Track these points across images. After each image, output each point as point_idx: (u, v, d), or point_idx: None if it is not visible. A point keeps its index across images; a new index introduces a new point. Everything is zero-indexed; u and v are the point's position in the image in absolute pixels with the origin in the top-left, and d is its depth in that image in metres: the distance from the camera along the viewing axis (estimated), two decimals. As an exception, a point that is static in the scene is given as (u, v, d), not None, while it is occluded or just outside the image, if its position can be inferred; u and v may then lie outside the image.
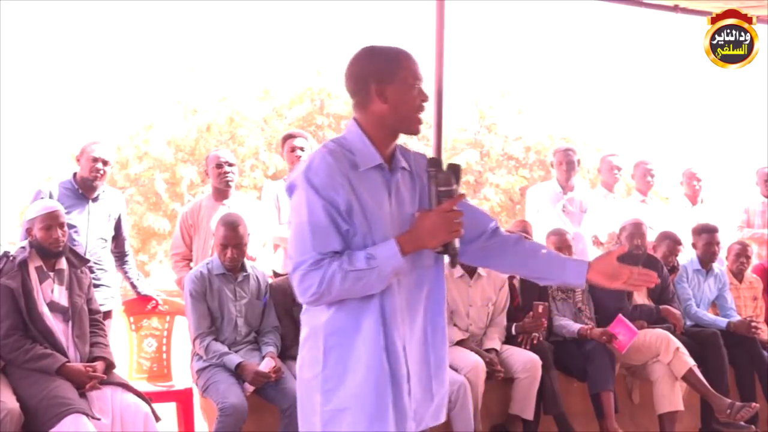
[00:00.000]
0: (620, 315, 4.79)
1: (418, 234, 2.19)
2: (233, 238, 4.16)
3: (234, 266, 4.20)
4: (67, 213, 4.32)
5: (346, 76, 2.30)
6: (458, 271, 4.73)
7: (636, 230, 5.13)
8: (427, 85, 2.31)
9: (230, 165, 5.00)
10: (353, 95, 2.29)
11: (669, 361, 4.73)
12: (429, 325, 2.34)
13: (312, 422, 2.25)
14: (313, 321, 2.25)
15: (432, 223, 2.17)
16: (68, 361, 3.61)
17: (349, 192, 2.16)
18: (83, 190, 4.62)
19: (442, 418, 2.41)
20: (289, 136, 5.30)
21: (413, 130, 2.28)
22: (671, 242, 5.49)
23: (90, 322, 3.85)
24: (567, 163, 5.83)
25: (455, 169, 2.25)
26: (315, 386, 2.22)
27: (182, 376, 4.73)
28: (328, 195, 2.14)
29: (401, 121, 2.25)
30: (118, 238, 4.83)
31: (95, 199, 4.66)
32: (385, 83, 2.22)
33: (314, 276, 2.13)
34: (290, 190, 2.23)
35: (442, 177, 2.21)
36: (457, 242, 2.22)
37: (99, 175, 4.60)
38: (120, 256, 4.89)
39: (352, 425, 2.19)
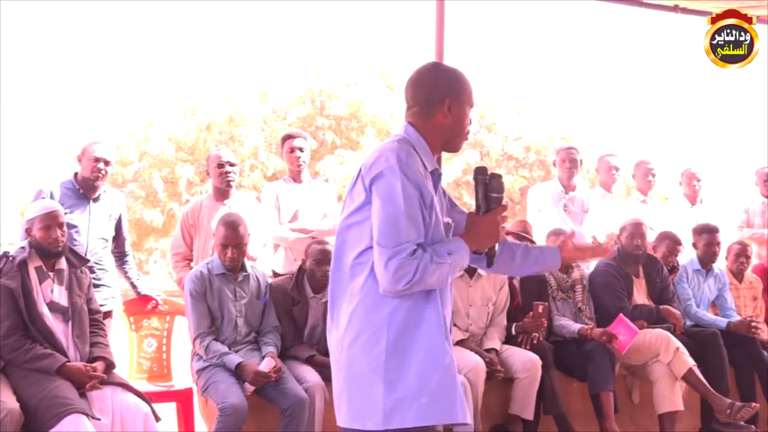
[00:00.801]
0: (621, 315, 4.78)
1: (478, 236, 2.41)
2: (233, 237, 4.16)
3: (234, 266, 4.20)
4: (68, 213, 4.33)
5: (417, 84, 2.44)
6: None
7: (636, 230, 5.13)
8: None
9: (232, 165, 5.00)
10: (419, 102, 2.43)
11: (669, 361, 4.73)
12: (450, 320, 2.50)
13: (370, 415, 2.28)
14: (371, 316, 2.29)
15: (490, 226, 2.41)
16: (68, 361, 3.61)
17: (429, 186, 2.32)
18: (84, 190, 4.62)
19: None
20: (289, 137, 5.29)
21: (458, 147, 2.49)
22: (671, 242, 5.49)
23: (90, 322, 3.85)
24: (570, 161, 5.82)
25: (500, 177, 2.45)
26: (375, 378, 2.27)
27: (182, 376, 4.73)
28: (420, 188, 2.28)
29: (454, 137, 2.44)
30: (118, 238, 4.83)
31: (96, 199, 4.66)
32: (456, 100, 2.40)
33: (411, 265, 2.22)
34: (378, 177, 2.28)
35: (495, 184, 2.42)
36: (495, 246, 2.46)
37: (100, 175, 4.60)
38: (120, 256, 4.89)
39: (422, 413, 2.26)
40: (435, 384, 2.28)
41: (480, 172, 2.44)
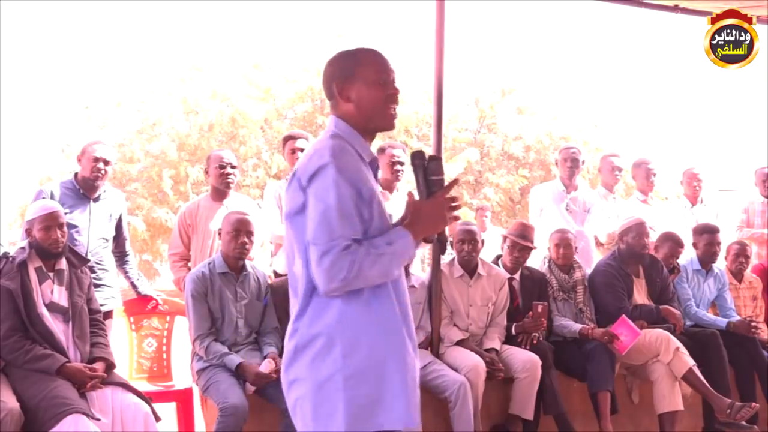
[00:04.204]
0: (623, 316, 4.79)
1: (423, 222, 2.24)
2: (246, 224, 4.17)
3: (243, 255, 4.18)
4: (69, 213, 4.34)
5: (323, 77, 2.38)
6: (458, 270, 4.74)
7: (643, 230, 5.13)
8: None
9: (233, 167, 5.00)
10: (328, 95, 2.36)
11: (669, 361, 4.73)
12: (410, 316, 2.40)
13: (331, 422, 2.20)
14: (321, 322, 2.22)
15: (433, 210, 2.25)
16: (68, 362, 3.61)
17: (367, 181, 2.22)
18: (84, 190, 4.63)
19: None
20: (290, 137, 5.29)
21: (383, 125, 2.33)
22: (673, 244, 5.47)
23: (90, 322, 3.85)
24: (572, 161, 5.82)
25: (439, 160, 2.32)
26: (334, 386, 2.19)
27: (182, 376, 4.74)
28: (355, 183, 2.18)
29: (367, 118, 2.30)
30: (118, 238, 4.83)
31: (96, 199, 4.67)
32: (345, 83, 2.30)
33: (345, 260, 2.12)
34: (313, 176, 2.18)
35: (434, 166, 2.28)
36: (446, 229, 2.31)
37: (100, 175, 4.61)
38: (120, 256, 4.89)
39: (385, 419, 2.19)
40: (399, 385, 2.21)
41: (417, 157, 2.30)
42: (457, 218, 2.32)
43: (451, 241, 4.89)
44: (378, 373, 2.20)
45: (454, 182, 2.30)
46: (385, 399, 2.20)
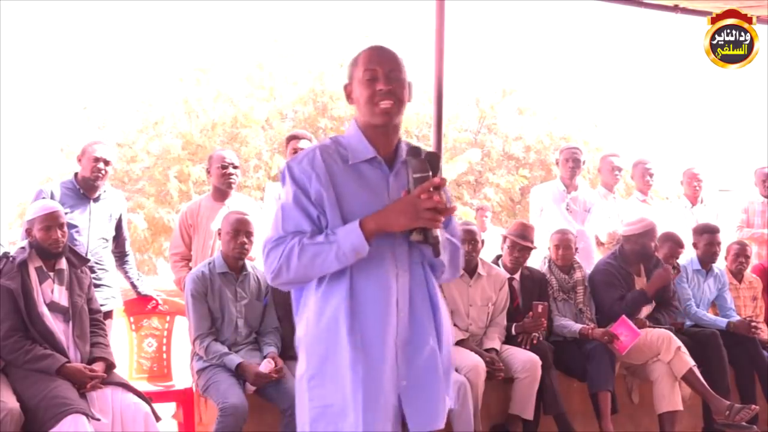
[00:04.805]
0: (623, 316, 4.79)
1: (383, 215, 2.20)
2: (245, 224, 4.18)
3: (242, 255, 4.18)
4: (69, 213, 4.34)
5: None
6: (458, 271, 4.73)
7: (656, 233, 5.13)
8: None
9: (235, 167, 5.00)
10: None
11: (669, 360, 4.73)
12: (435, 325, 2.35)
13: (302, 421, 2.30)
14: (300, 326, 2.36)
15: (400, 207, 2.19)
16: (68, 362, 3.60)
17: (324, 182, 2.24)
18: (85, 190, 4.63)
19: (440, 425, 2.37)
20: (293, 138, 5.29)
21: (375, 123, 2.29)
22: (673, 244, 5.45)
23: (90, 322, 3.85)
24: (573, 161, 5.82)
25: (432, 157, 2.28)
26: (303, 386, 2.28)
27: (182, 376, 4.74)
28: (302, 183, 2.25)
29: (365, 115, 2.31)
30: (118, 238, 4.84)
31: (96, 199, 4.67)
32: (350, 85, 2.35)
33: (277, 251, 2.22)
34: (281, 180, 2.33)
35: (416, 163, 2.23)
36: (437, 231, 2.23)
37: (100, 175, 4.61)
38: (120, 256, 4.90)
39: (334, 422, 2.23)
40: (350, 390, 2.20)
41: (409, 153, 2.25)
42: (444, 211, 2.19)
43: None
44: (332, 375, 2.24)
45: (432, 182, 2.18)
46: (337, 403, 2.23)
